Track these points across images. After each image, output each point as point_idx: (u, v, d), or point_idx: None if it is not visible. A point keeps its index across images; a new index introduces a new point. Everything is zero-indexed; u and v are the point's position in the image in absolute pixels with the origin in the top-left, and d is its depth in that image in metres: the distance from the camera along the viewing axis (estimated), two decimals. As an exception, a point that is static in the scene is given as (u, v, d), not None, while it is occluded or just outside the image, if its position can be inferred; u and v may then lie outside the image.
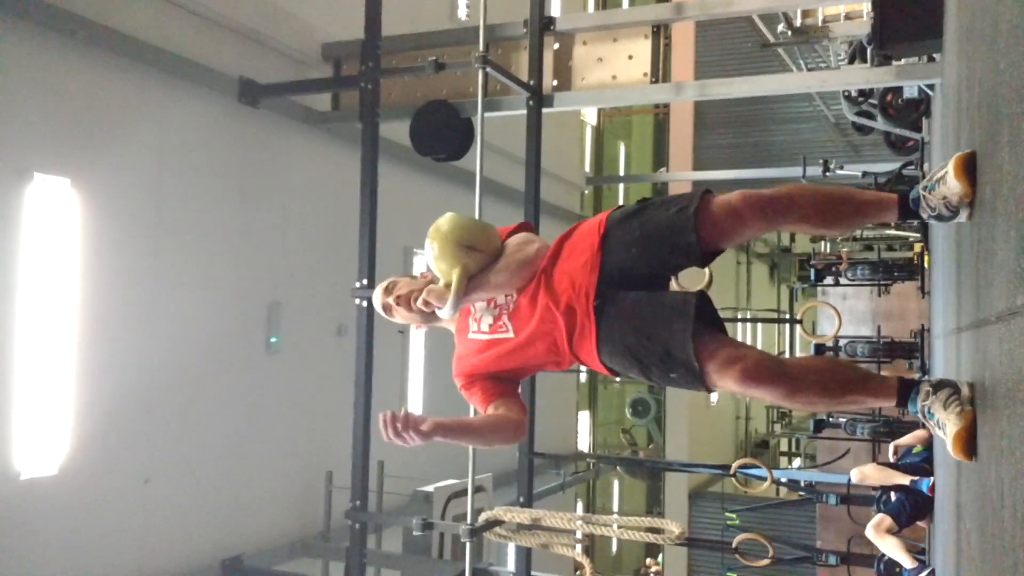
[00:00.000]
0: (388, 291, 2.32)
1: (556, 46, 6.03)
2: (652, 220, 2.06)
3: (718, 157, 12.66)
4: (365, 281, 5.91)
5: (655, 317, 2.00)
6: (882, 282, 9.04)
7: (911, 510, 5.07)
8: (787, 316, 12.62)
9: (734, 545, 4.85)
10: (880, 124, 7.25)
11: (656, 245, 2.04)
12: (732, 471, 5.01)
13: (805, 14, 7.06)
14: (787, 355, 12.85)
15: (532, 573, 5.68)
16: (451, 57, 5.74)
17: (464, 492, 5.27)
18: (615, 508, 16.45)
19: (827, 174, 8.34)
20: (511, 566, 6.04)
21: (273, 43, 6.52)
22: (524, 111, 5.83)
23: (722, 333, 2.07)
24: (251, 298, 6.40)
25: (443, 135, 6.09)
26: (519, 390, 2.39)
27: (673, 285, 2.24)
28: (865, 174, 8.32)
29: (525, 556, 5.65)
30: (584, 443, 14.27)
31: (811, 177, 8.60)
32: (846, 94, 7.30)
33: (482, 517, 4.50)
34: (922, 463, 5.24)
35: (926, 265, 7.04)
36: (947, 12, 3.20)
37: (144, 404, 5.48)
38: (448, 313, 2.19)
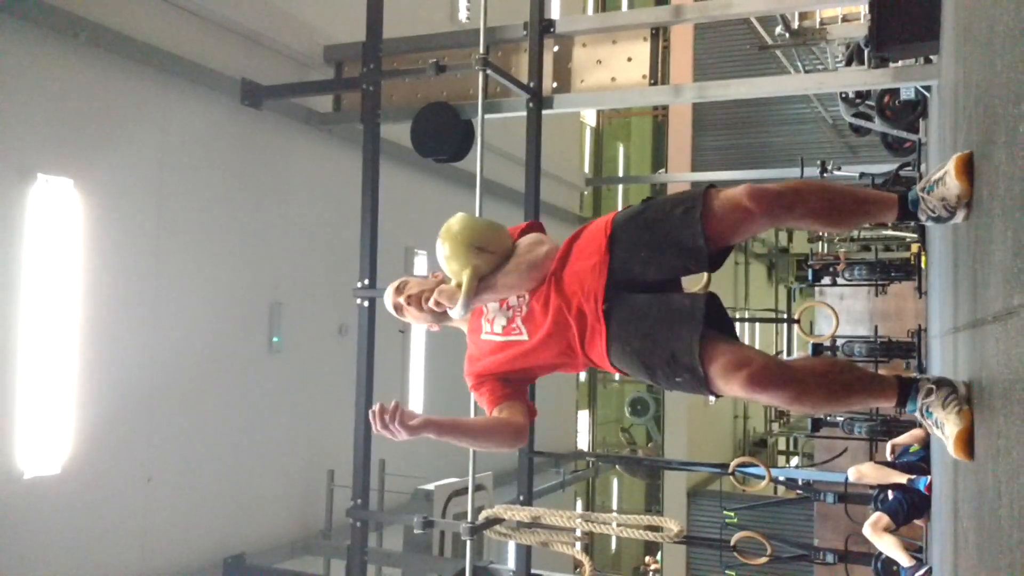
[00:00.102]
0: (399, 291, 2.32)
1: (556, 48, 6.05)
2: (659, 223, 2.04)
3: (716, 158, 12.68)
4: (367, 281, 5.94)
5: (662, 321, 1.99)
6: (879, 282, 9.03)
7: (908, 509, 5.07)
8: (785, 316, 12.69)
9: (732, 543, 4.88)
10: (877, 125, 7.25)
11: (664, 248, 2.02)
12: (730, 470, 5.04)
13: (803, 16, 7.10)
14: (785, 355, 12.90)
15: (532, 571, 5.70)
16: (452, 59, 5.77)
17: (464, 490, 5.29)
18: (614, 506, 16.50)
19: (824, 175, 8.34)
20: (511, 564, 6.06)
21: (275, 45, 6.55)
22: (524, 113, 5.86)
23: (730, 336, 2.04)
24: (253, 298, 6.42)
25: (444, 136, 6.11)
26: (528, 393, 2.36)
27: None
28: (862, 175, 8.34)
29: (525, 554, 5.66)
30: (583, 442, 14.27)
31: (809, 178, 8.61)
32: (843, 96, 7.30)
33: (482, 515, 4.52)
34: (919, 462, 5.24)
35: (923, 265, 7.06)
36: (944, 14, 3.22)
37: (146, 403, 5.50)
38: (459, 313, 2.18)
